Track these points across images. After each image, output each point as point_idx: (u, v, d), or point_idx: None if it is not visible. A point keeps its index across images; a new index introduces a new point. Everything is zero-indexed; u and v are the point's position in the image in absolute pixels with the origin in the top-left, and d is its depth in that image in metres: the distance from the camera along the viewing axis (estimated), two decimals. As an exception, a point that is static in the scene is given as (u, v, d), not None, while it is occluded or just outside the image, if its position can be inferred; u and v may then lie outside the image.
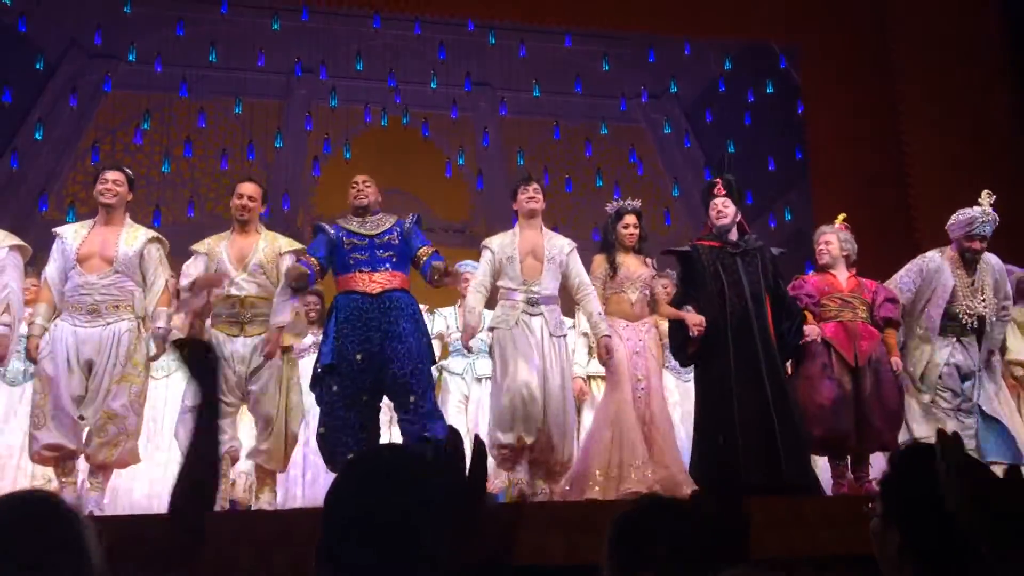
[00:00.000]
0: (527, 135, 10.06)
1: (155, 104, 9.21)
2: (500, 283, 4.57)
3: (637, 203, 4.87)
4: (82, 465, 4.37)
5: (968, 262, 4.98)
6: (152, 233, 4.50)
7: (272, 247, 4.55)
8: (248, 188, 4.63)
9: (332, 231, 4.45)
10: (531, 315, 4.43)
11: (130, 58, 8.43)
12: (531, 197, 4.64)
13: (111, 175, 4.41)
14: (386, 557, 1.12)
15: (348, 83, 8.93)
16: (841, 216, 5.13)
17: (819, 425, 4.49)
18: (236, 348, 4.36)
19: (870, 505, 1.47)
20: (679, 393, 5.62)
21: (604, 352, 4.51)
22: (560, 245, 4.65)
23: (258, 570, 3.32)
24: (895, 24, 8.03)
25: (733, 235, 4.62)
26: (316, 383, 4.33)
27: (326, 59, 8.75)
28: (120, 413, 4.17)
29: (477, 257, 5.09)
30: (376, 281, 4.28)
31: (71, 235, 4.37)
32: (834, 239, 4.89)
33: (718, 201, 4.56)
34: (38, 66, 8.30)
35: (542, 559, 3.33)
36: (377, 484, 1.18)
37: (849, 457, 4.68)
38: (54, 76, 8.76)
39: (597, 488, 4.32)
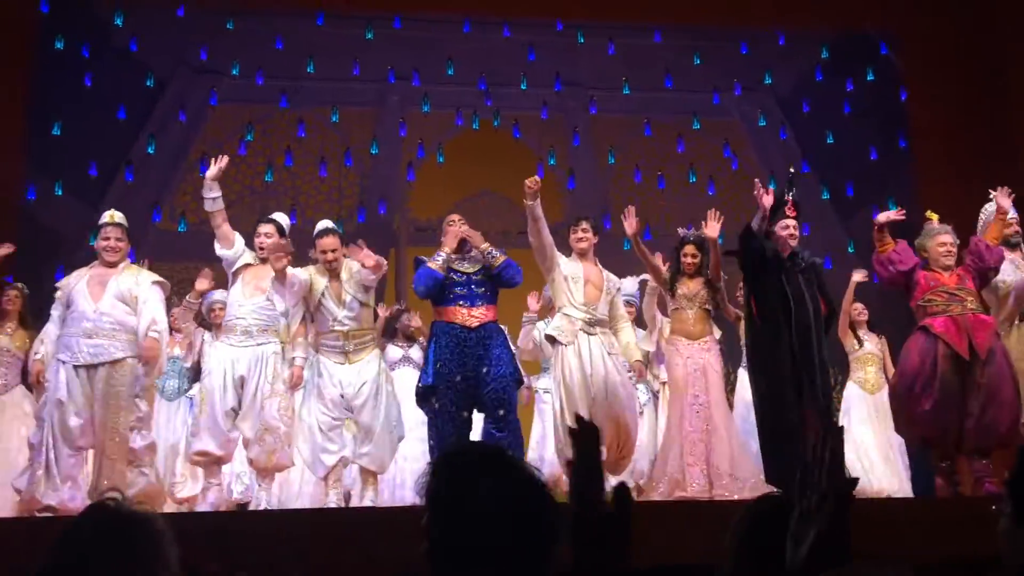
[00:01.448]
0: (618, 133, 10.01)
1: (257, 116, 9.58)
2: (559, 301, 5.08)
3: (698, 233, 5.25)
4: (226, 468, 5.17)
5: None
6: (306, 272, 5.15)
7: (353, 278, 5.05)
8: (331, 241, 5.06)
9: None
10: (589, 334, 4.95)
11: (233, 72, 8.78)
12: (580, 237, 5.16)
13: (264, 228, 5.11)
14: (490, 543, 1.17)
15: (440, 88, 9.07)
16: (935, 216, 4.98)
17: (919, 426, 4.36)
18: (343, 374, 4.94)
19: (995, 506, 1.42)
20: None
21: (637, 374, 5.28)
22: (615, 281, 5.27)
23: (361, 563, 3.43)
24: (1003, 4, 7.66)
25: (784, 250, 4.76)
26: (421, 400, 4.92)
27: (418, 66, 8.92)
28: (272, 424, 4.80)
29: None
30: (474, 316, 4.89)
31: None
32: (951, 238, 4.76)
33: (791, 222, 4.68)
34: (149, 83, 8.72)
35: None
36: (472, 473, 1.25)
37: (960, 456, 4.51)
38: (164, 93, 9.19)
39: (656, 495, 4.82)
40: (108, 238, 4.86)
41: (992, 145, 7.55)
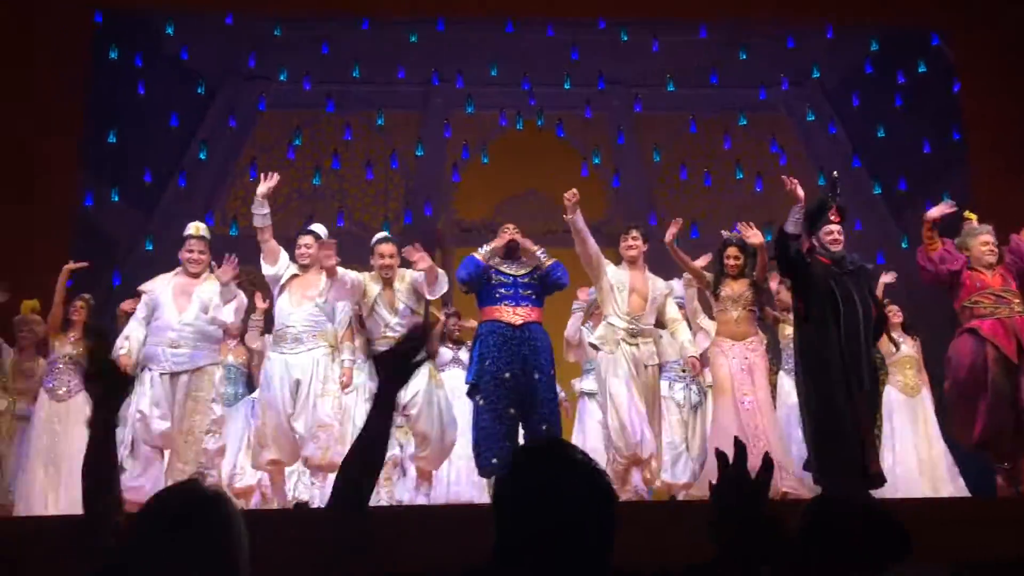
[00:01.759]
0: (663, 131, 9.95)
1: (305, 121, 9.72)
2: (605, 309, 5.20)
3: (739, 235, 5.30)
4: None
5: None
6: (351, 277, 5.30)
7: (407, 286, 5.20)
8: (388, 248, 5.23)
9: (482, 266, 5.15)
10: (630, 344, 5.07)
11: (281, 78, 8.93)
12: (629, 245, 5.28)
13: (304, 239, 5.25)
14: (557, 540, 1.19)
15: (483, 89, 9.11)
16: (974, 216, 4.91)
17: (975, 429, 4.29)
18: None
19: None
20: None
21: (692, 368, 5.50)
22: (661, 287, 5.35)
23: (415, 559, 3.48)
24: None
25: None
26: (470, 397, 5.13)
27: (462, 67, 8.97)
28: (326, 422, 4.96)
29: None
30: (518, 314, 5.01)
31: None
32: (992, 237, 4.67)
33: (834, 228, 4.67)
34: (200, 91, 8.91)
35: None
36: (547, 470, 1.29)
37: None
38: (214, 100, 9.38)
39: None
40: (192, 250, 5.13)
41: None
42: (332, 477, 5.30)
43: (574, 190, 5.13)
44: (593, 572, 1.22)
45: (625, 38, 8.71)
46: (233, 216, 9.16)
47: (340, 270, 5.04)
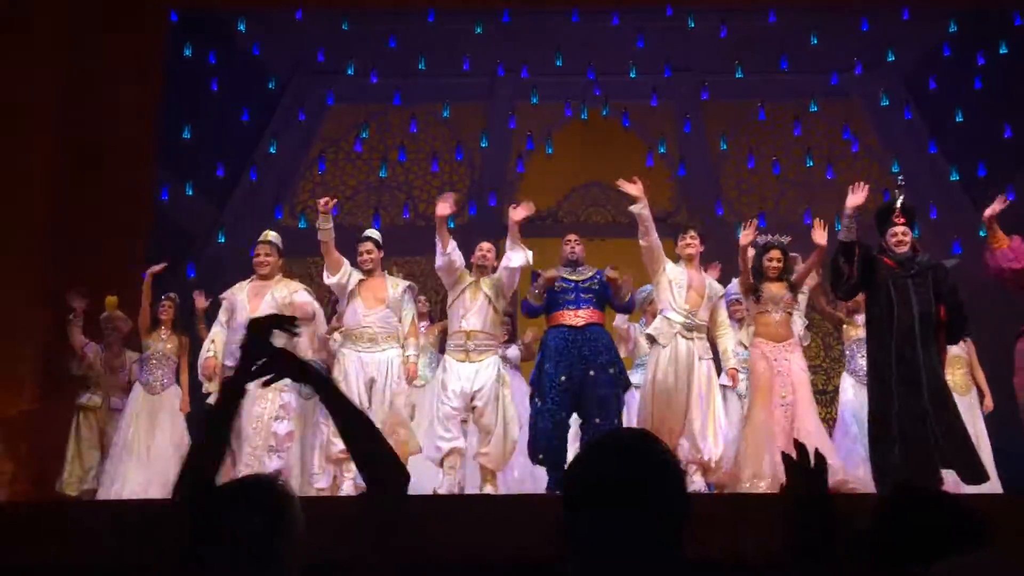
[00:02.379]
0: (730, 118, 9.79)
1: (372, 114, 9.85)
2: (662, 304, 5.32)
3: (784, 239, 5.46)
4: None
5: None
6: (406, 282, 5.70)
7: (492, 283, 5.41)
8: (486, 245, 5.54)
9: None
10: (686, 338, 5.18)
11: (348, 72, 9.06)
12: (688, 244, 5.41)
13: (365, 246, 5.49)
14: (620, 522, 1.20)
15: (548, 79, 9.09)
16: None
17: None
18: (464, 371, 5.27)
19: None
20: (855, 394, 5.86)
21: (730, 380, 5.56)
22: (716, 288, 5.50)
23: (477, 548, 3.51)
24: None
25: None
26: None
27: (527, 57, 8.96)
28: (402, 417, 5.23)
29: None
30: (580, 316, 5.23)
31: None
32: None
33: (898, 229, 4.64)
34: (270, 86, 9.10)
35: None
36: (614, 455, 1.30)
37: None
38: (284, 94, 9.56)
39: (747, 485, 4.97)
40: (259, 254, 5.50)
41: None
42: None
43: (636, 178, 5.23)
44: (664, 563, 1.22)
45: (692, 24, 8.59)
46: (301, 209, 9.34)
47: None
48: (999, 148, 8.28)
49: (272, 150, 9.19)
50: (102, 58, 7.33)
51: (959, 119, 8.51)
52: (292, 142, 9.64)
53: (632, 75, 8.86)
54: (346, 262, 5.51)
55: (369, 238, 5.60)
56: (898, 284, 4.55)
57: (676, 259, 5.47)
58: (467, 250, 5.57)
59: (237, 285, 5.55)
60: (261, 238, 5.63)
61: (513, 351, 6.68)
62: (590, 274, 5.41)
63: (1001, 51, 8.14)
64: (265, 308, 5.21)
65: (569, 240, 5.55)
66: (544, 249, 7.33)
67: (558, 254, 5.65)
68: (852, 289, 4.65)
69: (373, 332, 5.35)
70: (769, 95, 9.47)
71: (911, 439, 4.31)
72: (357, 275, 5.49)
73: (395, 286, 5.52)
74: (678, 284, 5.24)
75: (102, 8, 7.50)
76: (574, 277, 5.38)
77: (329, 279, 5.49)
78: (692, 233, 5.48)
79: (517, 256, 5.29)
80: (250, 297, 5.37)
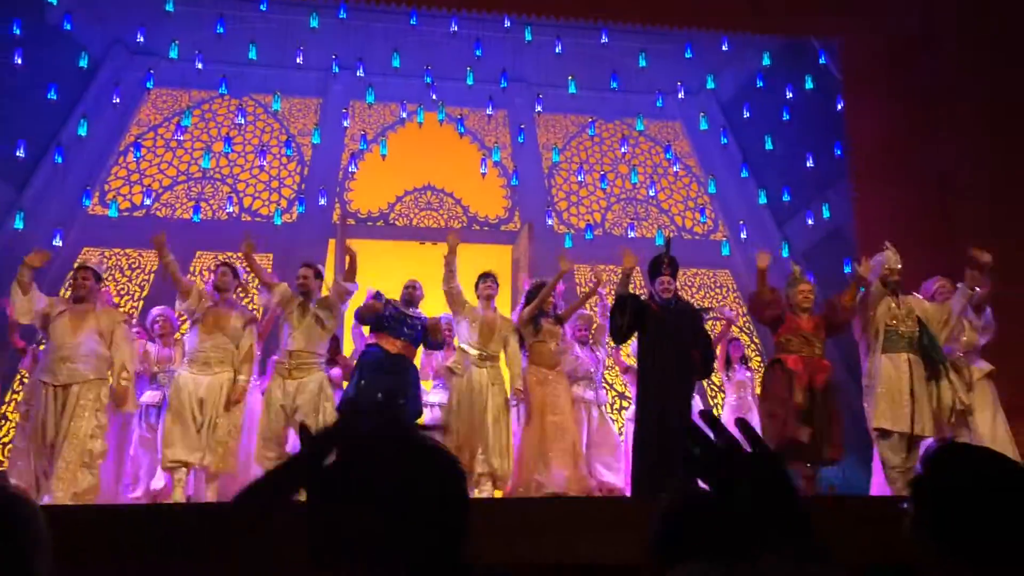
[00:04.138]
0: (563, 131, 10.06)
1: (196, 101, 9.36)
2: (461, 339, 5.73)
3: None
4: None
5: None
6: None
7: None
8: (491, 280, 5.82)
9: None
10: (479, 367, 5.66)
11: (171, 55, 8.56)
12: (488, 287, 5.81)
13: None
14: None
15: (385, 80, 8.99)
16: (797, 268, 5.62)
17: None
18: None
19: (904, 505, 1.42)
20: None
21: (517, 398, 5.79)
22: (507, 324, 5.88)
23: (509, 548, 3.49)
24: (941, 17, 7.88)
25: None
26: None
27: (363, 56, 8.81)
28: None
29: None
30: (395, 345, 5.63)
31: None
32: (808, 286, 5.43)
33: (664, 279, 5.37)
34: (82, 63, 8.45)
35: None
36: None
37: None
38: (97, 73, 8.92)
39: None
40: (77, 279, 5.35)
41: (924, 156, 7.76)
42: None
43: (455, 235, 5.69)
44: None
45: (529, 38, 8.75)
46: (112, 196, 8.73)
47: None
48: (802, 175, 8.97)
49: (81, 132, 8.53)
50: None
51: (768, 147, 9.15)
52: (105, 125, 8.99)
53: (469, 82, 8.91)
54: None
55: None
56: (662, 325, 5.25)
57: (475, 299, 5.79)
58: (295, 251, 5.38)
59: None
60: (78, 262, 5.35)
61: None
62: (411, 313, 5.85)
63: (807, 86, 8.83)
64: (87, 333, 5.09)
65: (411, 286, 5.92)
66: (374, 252, 7.22)
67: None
68: (625, 334, 5.34)
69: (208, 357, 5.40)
70: (600, 112, 9.81)
71: (661, 451, 4.88)
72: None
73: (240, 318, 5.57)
74: (475, 322, 5.70)
75: None
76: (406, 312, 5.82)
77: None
78: (491, 279, 5.90)
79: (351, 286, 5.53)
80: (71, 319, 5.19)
